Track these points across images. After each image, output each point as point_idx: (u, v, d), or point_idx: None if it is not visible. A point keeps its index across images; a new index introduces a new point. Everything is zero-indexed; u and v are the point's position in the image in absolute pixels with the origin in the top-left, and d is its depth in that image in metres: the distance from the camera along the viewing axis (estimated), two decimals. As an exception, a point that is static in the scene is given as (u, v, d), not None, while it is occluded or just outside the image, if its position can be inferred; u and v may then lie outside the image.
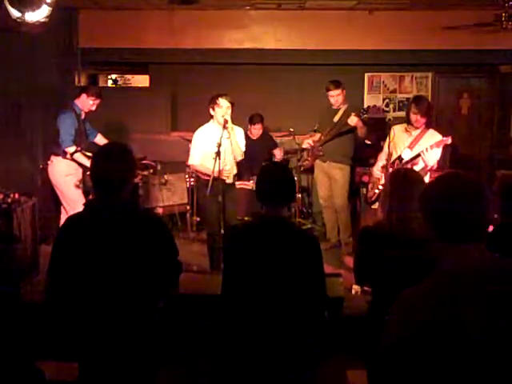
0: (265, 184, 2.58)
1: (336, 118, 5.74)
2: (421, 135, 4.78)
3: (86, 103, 5.30)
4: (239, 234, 2.65)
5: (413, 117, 4.75)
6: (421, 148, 4.68)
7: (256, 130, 6.62)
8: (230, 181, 4.97)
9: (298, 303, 2.45)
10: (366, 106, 6.88)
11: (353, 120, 5.44)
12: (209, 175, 4.81)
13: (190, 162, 5.14)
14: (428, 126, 4.80)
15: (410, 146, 4.79)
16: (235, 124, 5.04)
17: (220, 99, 4.87)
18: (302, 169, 6.32)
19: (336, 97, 5.70)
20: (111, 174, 2.35)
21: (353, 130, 5.64)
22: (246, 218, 5.49)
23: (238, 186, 5.72)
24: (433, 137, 4.75)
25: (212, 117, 5.00)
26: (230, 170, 4.95)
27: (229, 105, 4.87)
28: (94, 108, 5.35)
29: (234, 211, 5.06)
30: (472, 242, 1.53)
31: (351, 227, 5.90)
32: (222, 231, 4.74)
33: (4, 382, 1.88)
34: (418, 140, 4.78)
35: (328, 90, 5.71)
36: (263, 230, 2.51)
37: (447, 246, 1.55)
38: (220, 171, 4.71)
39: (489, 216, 1.57)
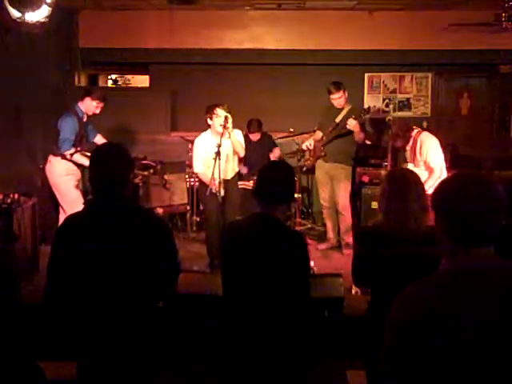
0: (261, 182, 2.59)
1: (339, 118, 5.73)
2: (414, 146, 4.80)
3: (90, 106, 5.28)
4: (233, 233, 2.66)
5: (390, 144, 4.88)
6: (422, 158, 4.71)
7: (254, 137, 6.59)
8: (221, 194, 4.92)
9: (285, 302, 2.45)
10: (366, 106, 6.83)
11: (352, 123, 5.46)
12: (208, 183, 4.89)
13: (195, 170, 5.29)
14: (408, 140, 4.82)
15: (411, 160, 4.81)
16: (235, 126, 5.08)
17: (217, 109, 4.95)
18: (304, 169, 6.30)
19: (338, 99, 5.70)
20: (109, 174, 2.36)
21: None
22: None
23: (239, 187, 5.74)
24: (426, 141, 4.75)
25: (210, 126, 5.06)
26: (220, 184, 4.89)
27: (226, 114, 4.91)
28: (98, 111, 5.33)
29: (234, 212, 5.08)
30: (483, 245, 1.51)
31: (351, 227, 5.90)
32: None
33: (5, 381, 1.89)
34: (414, 151, 4.80)
35: (329, 93, 5.71)
36: (253, 230, 2.52)
37: (456, 247, 1.52)
38: (212, 183, 4.77)
39: (501, 218, 1.51)
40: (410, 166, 4.77)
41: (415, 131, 4.85)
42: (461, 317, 1.44)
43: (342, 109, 5.75)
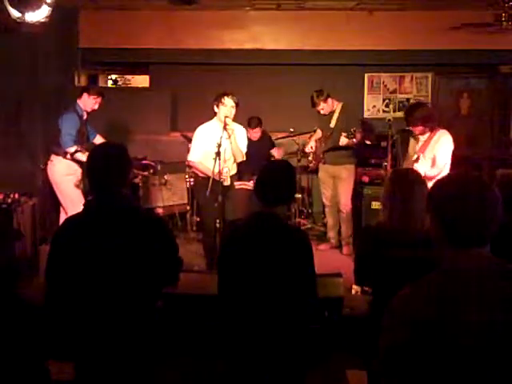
0: (262, 182, 2.58)
1: (333, 123, 5.71)
2: (428, 140, 4.75)
3: (89, 103, 5.29)
4: (232, 231, 2.66)
5: (409, 126, 4.77)
6: (433, 152, 4.68)
7: (254, 134, 6.60)
8: (227, 183, 4.92)
9: (290, 301, 2.45)
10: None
11: (343, 141, 5.46)
12: (206, 174, 4.81)
13: (190, 158, 5.11)
14: (432, 130, 4.75)
15: (421, 150, 4.78)
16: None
17: (226, 98, 4.86)
18: (308, 169, 6.28)
19: (322, 110, 5.69)
20: (107, 173, 2.35)
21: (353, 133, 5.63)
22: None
23: (238, 187, 5.71)
24: (440, 139, 4.70)
25: (215, 114, 4.99)
26: (227, 173, 4.89)
27: (233, 104, 4.86)
28: (96, 107, 5.34)
29: (233, 212, 5.04)
30: (478, 245, 1.51)
31: (352, 227, 5.89)
32: (218, 231, 4.75)
33: (12, 381, 1.89)
34: (426, 145, 4.75)
35: (313, 106, 5.70)
36: (254, 228, 2.51)
37: (452, 248, 1.52)
38: (219, 172, 4.68)
39: (497, 218, 1.51)
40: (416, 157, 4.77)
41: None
42: (458, 318, 1.44)
43: (334, 110, 5.73)
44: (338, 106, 5.74)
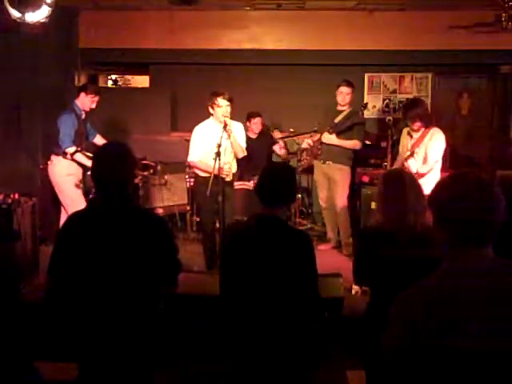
0: (264, 183, 2.59)
1: (338, 119, 5.74)
2: (421, 137, 4.79)
3: (86, 102, 5.31)
4: (234, 233, 2.66)
5: (408, 121, 4.81)
6: (425, 150, 4.71)
7: (255, 125, 6.58)
8: (229, 179, 4.94)
9: (292, 303, 2.45)
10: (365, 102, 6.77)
11: (326, 137, 5.58)
12: (208, 172, 4.82)
13: (190, 159, 5.12)
14: (427, 127, 4.80)
15: (414, 148, 4.80)
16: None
17: (219, 99, 4.86)
18: (300, 168, 6.30)
19: (345, 95, 5.72)
20: (112, 173, 2.36)
21: (352, 128, 5.66)
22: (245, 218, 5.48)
23: (238, 187, 5.71)
24: (432, 137, 4.75)
25: (212, 114, 5.00)
26: (229, 169, 4.93)
27: (228, 103, 4.86)
28: (94, 106, 5.36)
29: (231, 211, 5.05)
30: (482, 245, 1.51)
31: (351, 228, 5.89)
32: (218, 231, 4.76)
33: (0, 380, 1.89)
34: (419, 142, 4.78)
35: (340, 85, 5.74)
36: (257, 230, 2.52)
37: (455, 248, 1.52)
38: (219, 168, 4.69)
39: (499, 218, 1.51)
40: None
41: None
42: (461, 318, 1.44)
43: (342, 111, 5.76)
44: (348, 108, 5.79)
